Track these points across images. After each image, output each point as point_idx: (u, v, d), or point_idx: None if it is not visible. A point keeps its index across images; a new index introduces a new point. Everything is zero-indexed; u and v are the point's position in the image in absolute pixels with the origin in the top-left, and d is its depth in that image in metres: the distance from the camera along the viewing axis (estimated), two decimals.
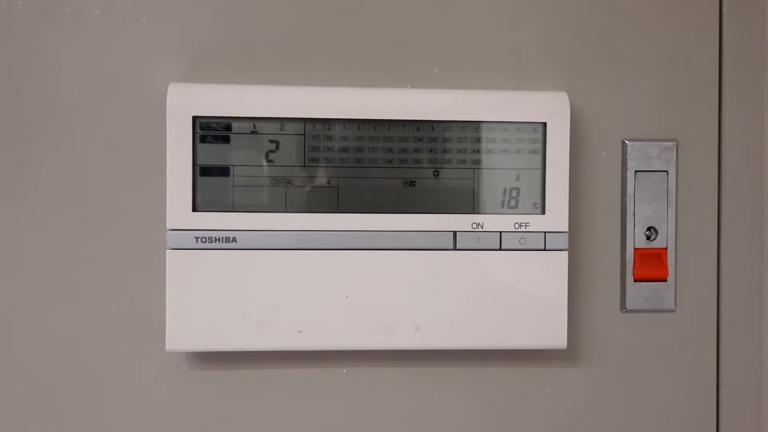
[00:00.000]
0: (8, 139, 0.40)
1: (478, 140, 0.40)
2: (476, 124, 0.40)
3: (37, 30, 0.40)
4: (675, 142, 0.43)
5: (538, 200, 0.40)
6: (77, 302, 0.40)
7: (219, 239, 0.39)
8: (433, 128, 0.40)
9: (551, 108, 0.40)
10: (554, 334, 0.40)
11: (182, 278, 0.39)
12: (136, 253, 0.40)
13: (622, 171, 0.43)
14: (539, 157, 0.40)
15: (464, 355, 0.42)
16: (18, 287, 0.40)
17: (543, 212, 0.40)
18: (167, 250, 0.38)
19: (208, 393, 0.41)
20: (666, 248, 0.43)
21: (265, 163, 0.39)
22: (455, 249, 0.40)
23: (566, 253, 0.40)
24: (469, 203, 0.40)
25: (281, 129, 0.39)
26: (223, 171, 0.39)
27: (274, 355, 0.41)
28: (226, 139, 0.39)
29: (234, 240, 0.39)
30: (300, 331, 0.39)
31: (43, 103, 0.40)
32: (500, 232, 0.40)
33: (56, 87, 0.40)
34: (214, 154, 0.39)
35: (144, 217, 0.40)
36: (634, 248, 0.43)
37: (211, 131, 0.39)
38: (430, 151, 0.40)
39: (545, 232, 0.40)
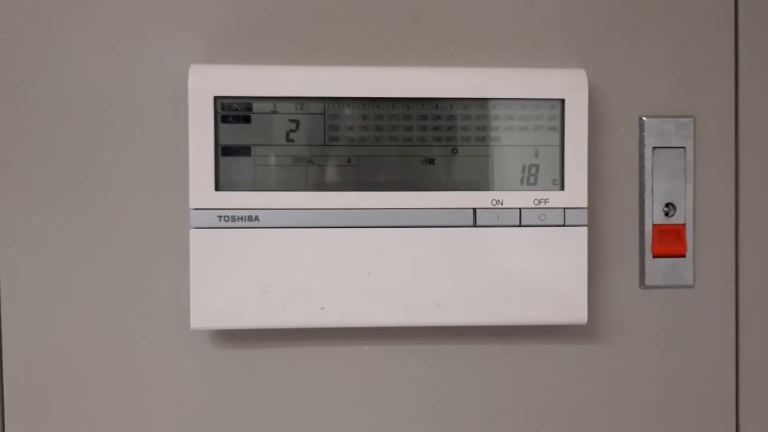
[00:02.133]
0: (33, 126, 0.40)
1: (497, 117, 0.40)
2: (494, 102, 0.40)
3: (60, 14, 0.40)
4: (692, 119, 0.43)
5: (557, 177, 0.41)
6: (103, 281, 0.41)
7: (241, 218, 0.39)
8: (451, 106, 0.40)
9: (569, 85, 0.40)
10: (574, 310, 0.41)
11: (206, 257, 0.39)
12: (160, 233, 0.41)
13: (639, 147, 0.43)
14: (557, 134, 0.41)
15: (484, 331, 0.42)
16: (44, 267, 0.40)
17: (562, 188, 0.40)
18: (191, 229, 0.39)
19: (232, 370, 0.41)
20: (684, 224, 0.43)
21: (285, 142, 0.40)
22: (475, 226, 0.40)
23: (585, 228, 0.40)
24: (488, 180, 0.40)
25: (301, 108, 0.40)
26: (245, 150, 0.39)
27: (297, 332, 0.41)
28: (247, 119, 0.39)
29: (256, 218, 0.39)
30: (322, 309, 0.40)
31: (67, 89, 0.40)
32: (520, 209, 0.40)
33: (82, 72, 0.40)
34: (235, 134, 0.39)
35: (167, 197, 0.40)
36: (653, 224, 0.43)
37: (232, 111, 0.39)
38: (449, 128, 0.40)
39: (564, 208, 0.40)
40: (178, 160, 0.40)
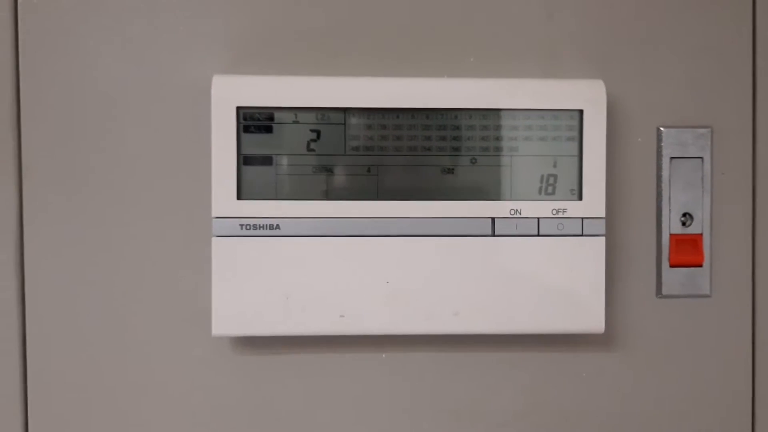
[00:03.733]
0: (58, 134, 0.41)
1: (516, 128, 0.41)
2: (513, 112, 0.40)
3: (83, 25, 0.41)
4: (710, 129, 0.43)
5: (575, 187, 0.41)
6: (126, 288, 0.41)
7: (263, 226, 0.40)
8: (470, 116, 0.40)
9: (587, 95, 0.41)
10: (592, 319, 0.41)
11: (227, 264, 0.40)
12: (183, 241, 0.41)
13: (657, 158, 0.43)
14: (576, 144, 0.41)
15: (502, 339, 0.43)
16: (68, 273, 0.41)
17: (580, 198, 0.41)
18: (213, 238, 0.39)
19: (252, 376, 0.42)
20: (701, 234, 0.43)
21: (306, 152, 0.40)
22: (493, 235, 0.40)
23: (603, 238, 0.41)
24: (507, 190, 0.41)
25: (322, 118, 0.40)
26: (266, 160, 0.40)
27: (316, 339, 0.42)
28: (268, 129, 0.40)
29: (277, 227, 0.40)
30: (342, 316, 0.40)
31: (91, 98, 0.41)
32: (538, 218, 0.40)
33: (105, 81, 0.41)
34: (257, 144, 0.40)
35: (190, 206, 0.41)
36: (670, 234, 0.43)
37: (254, 121, 0.40)
38: (468, 139, 0.41)
39: (582, 218, 0.41)
40: (201, 169, 0.41)
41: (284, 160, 0.40)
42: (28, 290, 0.41)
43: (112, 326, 0.41)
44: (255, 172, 0.40)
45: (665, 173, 0.43)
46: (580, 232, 0.41)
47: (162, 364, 0.42)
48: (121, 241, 0.41)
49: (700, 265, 0.43)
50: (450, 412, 0.43)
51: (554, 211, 0.41)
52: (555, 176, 0.41)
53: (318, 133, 0.40)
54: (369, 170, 0.40)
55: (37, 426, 0.41)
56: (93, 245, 0.41)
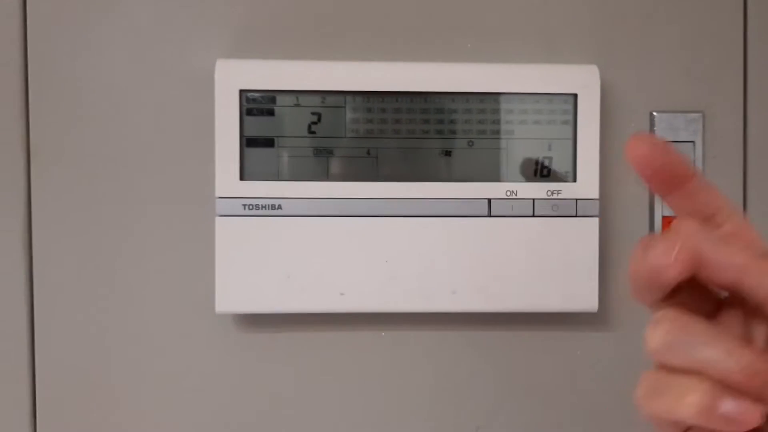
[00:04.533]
0: (65, 118, 0.42)
1: (511, 111, 0.42)
2: (509, 96, 0.42)
3: (89, 12, 0.42)
4: (701, 114, 0.44)
5: (570, 169, 0.42)
6: (130, 266, 0.42)
7: (265, 206, 0.41)
8: (467, 100, 0.41)
9: (582, 80, 0.42)
10: (585, 298, 0.42)
11: (230, 243, 0.41)
12: (186, 220, 0.42)
13: None
14: (570, 128, 0.42)
15: (498, 318, 0.44)
16: (74, 250, 0.42)
17: (574, 180, 0.42)
18: (216, 217, 0.40)
19: (254, 353, 0.43)
20: None
21: (307, 134, 0.41)
22: (490, 216, 0.41)
23: (597, 219, 0.42)
24: (503, 172, 0.42)
25: (323, 102, 0.41)
26: (269, 142, 0.41)
27: (317, 317, 0.43)
28: (270, 112, 0.41)
29: (279, 207, 0.41)
30: (342, 294, 0.41)
31: (97, 83, 0.42)
32: (533, 200, 0.42)
33: (111, 67, 0.42)
34: (259, 126, 0.41)
35: (194, 186, 0.42)
36: (663, 216, 0.44)
37: (256, 104, 0.41)
38: (465, 122, 0.42)
39: (577, 199, 0.42)
40: (205, 151, 0.42)
41: (286, 142, 0.41)
42: (36, 268, 0.42)
43: (118, 304, 0.42)
44: (257, 153, 0.41)
45: None
46: (575, 213, 0.42)
47: (166, 341, 0.43)
48: (126, 221, 0.42)
49: None
50: (447, 389, 0.44)
51: (549, 193, 0.42)
52: (550, 158, 0.42)
53: (319, 116, 0.41)
54: (368, 152, 0.41)
55: (45, 404, 0.42)
56: (99, 226, 0.42)
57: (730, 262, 0.24)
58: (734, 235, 0.27)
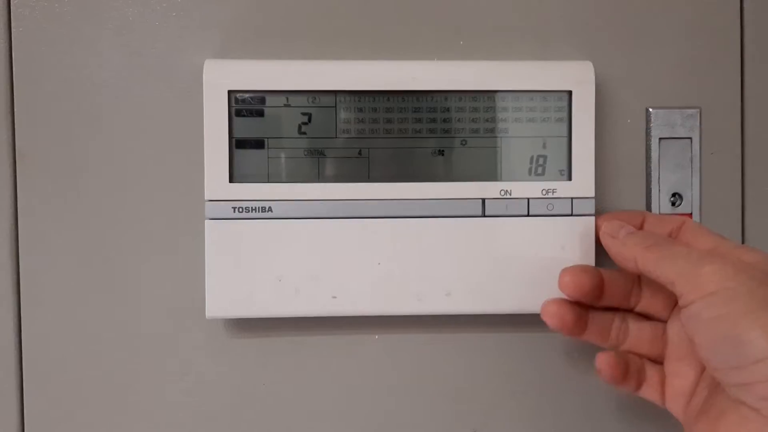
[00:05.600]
0: (51, 120, 0.41)
1: (505, 109, 0.41)
2: (503, 94, 0.41)
3: (76, 11, 0.41)
4: (698, 110, 0.43)
5: (565, 167, 0.41)
6: (119, 270, 0.42)
7: (255, 209, 0.40)
8: (460, 99, 0.41)
9: (576, 77, 0.41)
10: None
11: (220, 247, 0.40)
12: (175, 224, 0.42)
13: (646, 138, 0.43)
14: (565, 125, 0.41)
15: (494, 319, 0.43)
16: (61, 253, 0.41)
17: (569, 179, 0.41)
18: (206, 220, 0.40)
19: (246, 358, 0.42)
20: (691, 214, 0.43)
21: (298, 135, 0.40)
22: (484, 216, 0.41)
23: (593, 218, 0.41)
24: (497, 171, 0.41)
25: (313, 102, 0.40)
26: (258, 143, 0.40)
27: (309, 321, 0.42)
28: (260, 113, 0.40)
29: (270, 209, 0.40)
30: (334, 297, 0.40)
31: (84, 84, 0.41)
32: (528, 199, 0.41)
33: (98, 67, 0.41)
34: (249, 127, 0.40)
35: (183, 190, 0.41)
36: (660, 214, 0.43)
37: (245, 105, 0.40)
38: (458, 120, 0.41)
39: (572, 198, 0.41)
40: (193, 153, 0.41)
41: (276, 143, 0.40)
42: (23, 272, 0.41)
43: (105, 309, 0.42)
44: (247, 155, 0.40)
45: (654, 154, 0.43)
46: (570, 212, 0.41)
47: (155, 347, 0.42)
48: (114, 224, 0.42)
49: None
50: (442, 392, 0.43)
51: (544, 192, 0.41)
52: (545, 157, 0.41)
53: (309, 116, 0.41)
54: (360, 153, 0.41)
55: (33, 411, 0.42)
56: (87, 230, 0.41)
57: (628, 256, 0.36)
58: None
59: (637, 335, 0.39)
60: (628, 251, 0.36)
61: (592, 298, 0.38)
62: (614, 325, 0.39)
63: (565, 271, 0.39)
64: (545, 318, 0.39)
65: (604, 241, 0.38)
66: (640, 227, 0.39)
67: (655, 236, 0.36)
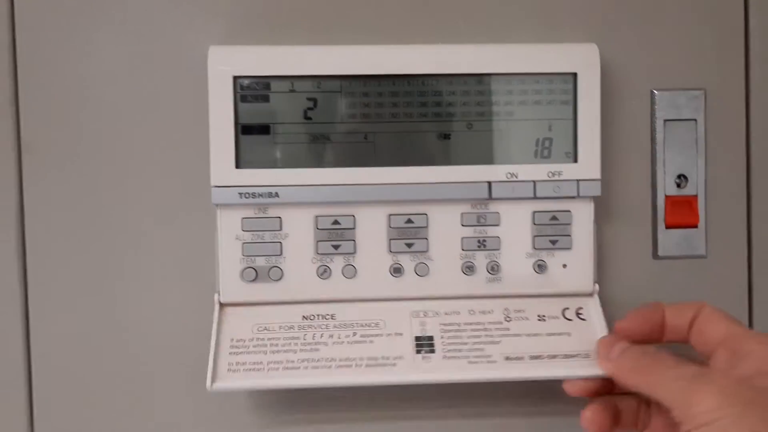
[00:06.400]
0: (56, 106, 0.41)
1: (511, 92, 0.41)
2: (508, 77, 0.41)
3: (80, 0, 0.41)
4: (703, 91, 0.43)
5: (570, 149, 0.41)
6: (130, 257, 0.42)
7: (262, 194, 0.40)
8: (465, 82, 0.41)
9: (581, 59, 0.41)
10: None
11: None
12: (183, 210, 0.42)
13: (651, 120, 0.43)
14: (570, 108, 0.41)
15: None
16: (69, 243, 0.42)
17: (575, 161, 0.41)
18: (218, 206, 0.40)
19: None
20: (696, 195, 0.43)
21: (303, 120, 0.40)
22: (490, 199, 0.41)
23: (599, 199, 0.41)
24: (503, 154, 0.41)
25: (318, 87, 0.40)
26: (264, 129, 0.40)
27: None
28: (265, 98, 0.40)
29: (276, 195, 0.40)
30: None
31: (89, 72, 0.41)
32: (534, 181, 0.41)
33: (103, 55, 0.41)
34: (254, 113, 0.40)
35: (190, 177, 0.41)
36: (665, 195, 0.43)
37: (251, 91, 0.40)
38: (464, 104, 0.41)
39: (578, 180, 0.41)
40: (200, 139, 0.41)
41: (282, 129, 0.40)
42: (30, 260, 0.41)
43: (115, 293, 0.42)
44: (253, 141, 0.40)
45: (659, 135, 0.43)
46: (576, 194, 0.41)
47: (166, 326, 0.42)
48: (121, 213, 0.42)
49: (696, 226, 0.44)
50: None
51: (550, 174, 0.41)
52: (550, 139, 0.41)
53: (315, 101, 0.41)
54: (366, 137, 0.41)
55: (42, 407, 0.42)
56: (93, 217, 0.42)
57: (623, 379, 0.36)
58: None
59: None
60: (622, 375, 0.35)
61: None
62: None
63: (585, 411, 0.37)
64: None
65: (599, 363, 0.37)
66: (661, 321, 0.37)
67: (648, 354, 0.35)
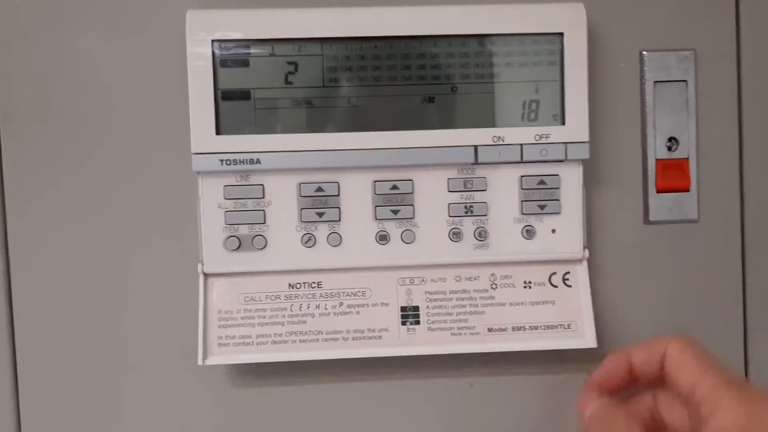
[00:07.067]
0: (34, 76, 0.40)
1: (496, 54, 0.40)
2: (493, 38, 0.40)
3: None
4: (693, 52, 0.43)
5: (558, 112, 0.40)
6: (111, 230, 0.41)
7: (243, 161, 0.39)
8: (449, 44, 0.40)
9: (568, 19, 0.40)
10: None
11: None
12: (165, 179, 0.41)
13: (640, 82, 0.42)
14: (557, 69, 0.40)
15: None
16: (48, 214, 0.41)
17: (563, 123, 0.40)
18: (200, 174, 0.39)
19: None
20: (687, 158, 0.43)
21: (284, 84, 0.40)
22: (477, 163, 0.40)
23: (588, 163, 0.40)
24: (489, 117, 0.40)
25: (299, 50, 0.40)
26: (244, 94, 0.39)
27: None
28: (245, 63, 0.39)
29: (258, 161, 0.39)
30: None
31: (65, 37, 0.40)
32: (521, 145, 0.40)
33: (80, 20, 0.40)
34: (234, 78, 0.39)
35: (170, 143, 0.41)
36: (656, 159, 0.43)
37: (230, 55, 0.39)
38: (448, 66, 0.40)
39: (566, 143, 0.40)
40: (180, 105, 0.40)
41: (262, 94, 0.39)
42: (10, 233, 0.41)
43: (99, 262, 0.41)
44: (233, 106, 0.39)
45: (649, 97, 0.42)
46: (564, 158, 0.40)
47: (149, 299, 0.41)
48: (101, 183, 0.41)
49: (687, 190, 0.43)
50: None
51: (537, 137, 0.40)
52: (537, 102, 0.40)
53: (296, 65, 0.40)
54: (349, 101, 0.40)
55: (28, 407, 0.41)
56: (72, 188, 0.41)
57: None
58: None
59: None
60: None
61: None
62: None
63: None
64: None
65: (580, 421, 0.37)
66: (629, 369, 0.37)
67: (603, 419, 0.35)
